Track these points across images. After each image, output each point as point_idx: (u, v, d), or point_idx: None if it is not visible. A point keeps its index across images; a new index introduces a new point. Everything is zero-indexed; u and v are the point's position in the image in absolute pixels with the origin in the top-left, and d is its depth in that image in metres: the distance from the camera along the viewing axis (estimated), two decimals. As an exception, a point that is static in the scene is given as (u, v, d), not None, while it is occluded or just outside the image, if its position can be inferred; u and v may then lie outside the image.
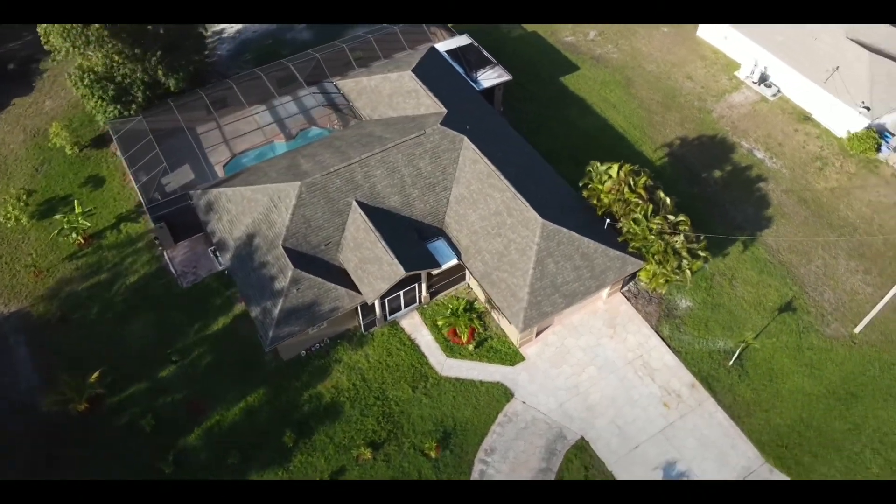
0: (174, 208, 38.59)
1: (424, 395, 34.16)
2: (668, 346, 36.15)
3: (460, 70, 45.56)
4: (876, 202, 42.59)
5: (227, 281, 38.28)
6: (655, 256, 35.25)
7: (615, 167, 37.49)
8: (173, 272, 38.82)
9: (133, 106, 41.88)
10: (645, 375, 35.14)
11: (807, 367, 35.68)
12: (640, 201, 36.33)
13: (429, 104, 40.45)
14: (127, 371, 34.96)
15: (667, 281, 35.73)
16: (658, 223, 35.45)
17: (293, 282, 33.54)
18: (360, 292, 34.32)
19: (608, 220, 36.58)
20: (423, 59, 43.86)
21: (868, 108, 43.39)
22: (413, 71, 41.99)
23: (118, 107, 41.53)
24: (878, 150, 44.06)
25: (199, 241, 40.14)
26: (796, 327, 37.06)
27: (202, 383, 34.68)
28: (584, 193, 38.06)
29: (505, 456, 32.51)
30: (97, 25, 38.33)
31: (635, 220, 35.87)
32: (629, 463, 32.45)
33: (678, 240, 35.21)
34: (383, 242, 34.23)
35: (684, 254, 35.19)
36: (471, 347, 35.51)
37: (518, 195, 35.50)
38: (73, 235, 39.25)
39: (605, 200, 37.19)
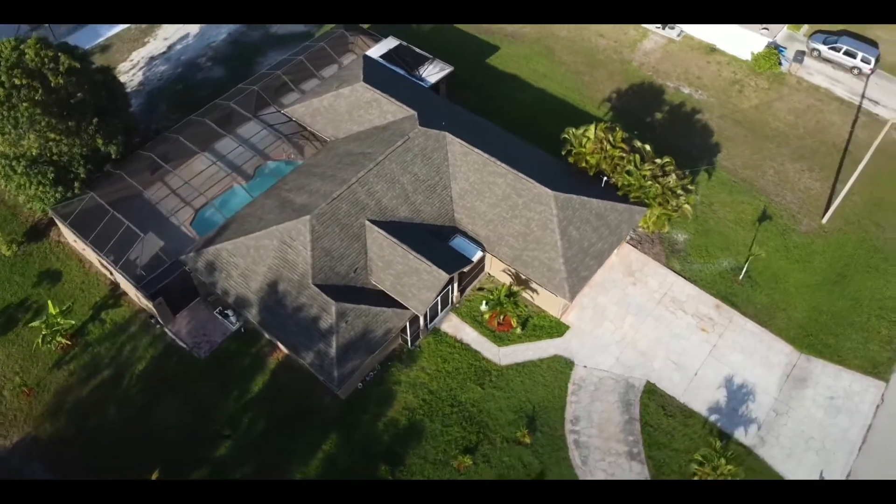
0: (169, 280, 35.56)
1: (494, 388, 34.40)
2: (685, 278, 38.87)
3: (402, 71, 45.41)
4: (794, 108, 48.01)
5: (247, 338, 36.05)
6: (656, 199, 37.66)
7: (591, 129, 39.36)
8: (184, 346, 35.87)
9: (76, 184, 37.82)
10: (676, 309, 37.62)
11: (798, 262, 39.88)
12: (625, 153, 38.55)
13: (394, 110, 40.07)
14: (179, 462, 32.07)
15: (669, 219, 38.32)
16: (649, 169, 37.86)
17: (340, 316, 32.35)
18: (404, 308, 33.78)
19: (605, 178, 38.47)
20: (365, 68, 43.24)
21: (767, 28, 48.64)
22: (364, 81, 41.34)
23: (60, 189, 37.34)
24: (780, 64, 49.56)
25: (198, 307, 37.34)
26: (777, 231, 41.23)
27: (267, 448, 32.63)
28: (570, 159, 39.67)
29: (590, 421, 33.64)
30: (25, 104, 34.18)
31: (628, 172, 38.04)
32: (695, 390, 34.78)
33: (671, 179, 37.80)
34: (414, 253, 33.87)
35: (679, 191, 37.88)
36: (518, 330, 36.12)
37: (521, 175, 36.42)
38: (57, 339, 35.03)
39: (592, 161, 39.03)
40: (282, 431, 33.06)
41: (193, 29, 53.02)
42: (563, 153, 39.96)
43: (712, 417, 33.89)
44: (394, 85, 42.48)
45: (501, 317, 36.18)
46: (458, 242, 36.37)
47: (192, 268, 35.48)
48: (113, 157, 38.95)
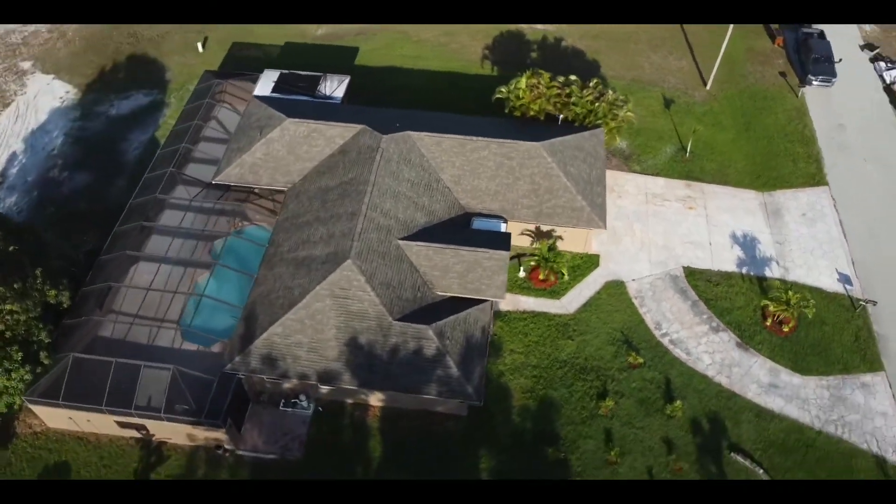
0: (229, 401, 30.75)
1: (581, 335, 35.50)
2: (650, 175, 43.02)
3: (305, 97, 42.91)
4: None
5: (330, 414, 32.80)
6: (605, 118, 40.90)
7: (521, 80, 41.23)
8: (272, 456, 31.59)
9: (41, 354, 30.57)
10: (662, 202, 41.65)
11: (714, 126, 46.14)
12: (559, 90, 41.12)
13: (339, 132, 38.11)
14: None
15: (618, 131, 41.88)
16: (589, 94, 40.87)
17: (440, 336, 30.97)
18: (482, 301, 33.21)
19: (559, 117, 40.71)
20: (274, 105, 40.20)
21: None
22: (288, 119, 38.53)
23: (27, 367, 29.96)
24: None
25: (256, 412, 32.89)
26: (684, 109, 47.14)
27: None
28: (517, 114, 41.24)
29: (668, 319, 36.40)
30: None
31: (574, 104, 40.70)
32: (718, 256, 39.15)
33: (609, 96, 41.24)
34: (466, 248, 33.34)
35: (619, 104, 41.51)
36: (566, 277, 37.31)
37: (502, 140, 37.26)
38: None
39: (536, 108, 40.97)
40: (439, 467, 31.04)
41: (17, 146, 44.42)
42: (507, 111, 41.40)
43: (744, 270, 38.61)
44: (313, 110, 40.19)
45: (543, 274, 37.14)
46: (480, 223, 36.32)
47: (248, 371, 31.10)
48: (65, 306, 32.12)
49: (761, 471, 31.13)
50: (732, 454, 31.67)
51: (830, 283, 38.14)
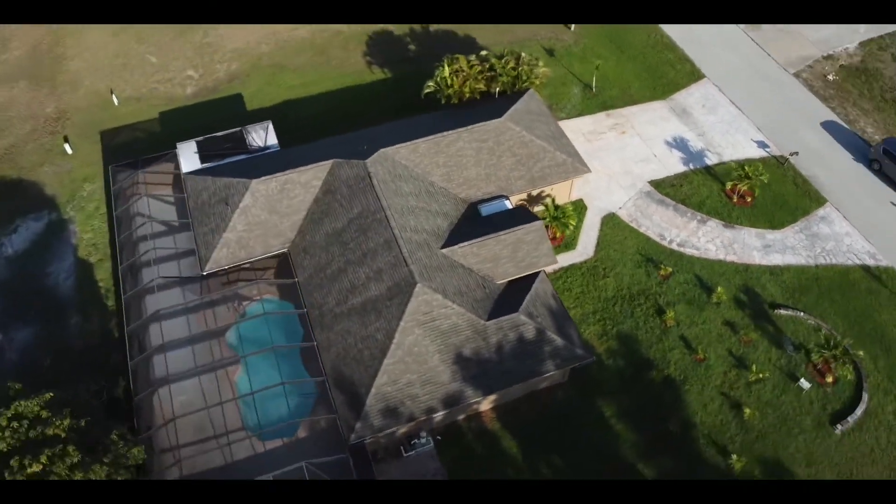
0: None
1: (611, 271, 38.35)
2: (575, 117, 46.70)
3: (243, 156, 40.04)
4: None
5: (445, 440, 32.44)
6: (530, 79, 43.47)
7: (444, 69, 42.42)
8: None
9: None
10: (598, 136, 45.58)
11: (597, 58, 50.63)
12: (482, 66, 42.91)
13: (313, 174, 36.51)
14: None
15: (540, 88, 44.81)
16: (511, 64, 43.03)
17: (530, 316, 31.94)
18: (538, 273, 34.51)
19: (496, 92, 42.50)
20: (222, 176, 37.27)
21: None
22: (253, 180, 36.01)
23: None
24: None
25: (385, 469, 31.40)
26: (566, 53, 51.26)
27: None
28: (454, 101, 42.37)
29: (665, 228, 40.53)
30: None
31: (500, 75, 42.69)
32: (668, 164, 44.04)
33: (526, 58, 43.80)
34: (503, 232, 34.24)
35: (533, 63, 44.23)
36: (573, 225, 39.43)
37: (470, 127, 38.26)
38: None
39: (468, 90, 42.41)
40: (576, 434, 32.28)
41: (-89, 331, 36.20)
42: (443, 101, 42.37)
43: (691, 166, 43.96)
44: (268, 164, 37.91)
45: (557, 232, 39.21)
46: (488, 208, 37.22)
47: (374, 432, 29.64)
48: (142, 461, 27.97)
49: (803, 314, 36.60)
50: (776, 311, 36.82)
51: (755, 151, 44.92)
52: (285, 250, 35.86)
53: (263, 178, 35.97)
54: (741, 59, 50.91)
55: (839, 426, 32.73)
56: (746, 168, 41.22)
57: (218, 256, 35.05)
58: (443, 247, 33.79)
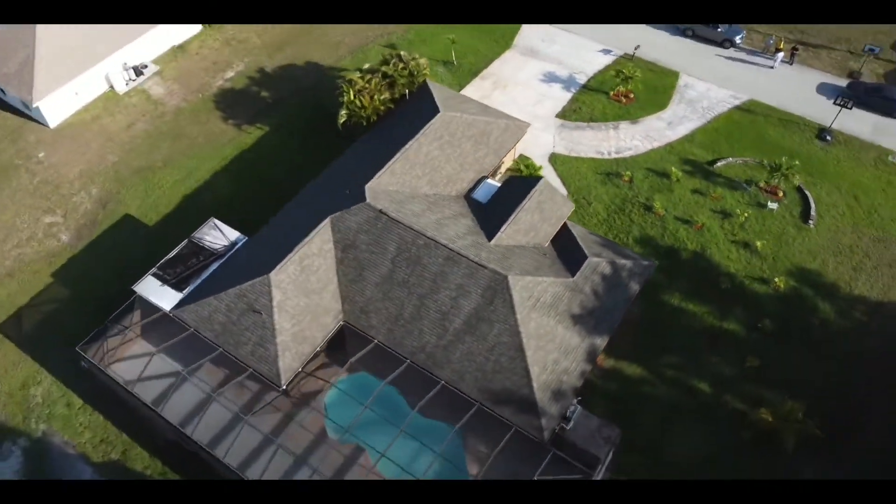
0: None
1: (584, 199, 42.45)
2: (459, 88, 49.22)
3: (215, 263, 35.93)
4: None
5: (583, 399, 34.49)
6: (419, 74, 44.65)
7: (349, 94, 42.19)
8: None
9: None
10: (489, 98, 48.78)
11: (433, 35, 53.37)
12: (377, 77, 43.21)
13: (319, 241, 34.59)
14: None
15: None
16: (400, 65, 43.79)
17: (598, 255, 34.75)
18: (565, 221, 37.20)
19: (405, 95, 43.14)
20: (219, 291, 33.55)
21: None
22: (269, 275, 33.06)
23: None
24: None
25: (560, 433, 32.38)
26: (406, 42, 53.03)
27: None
28: (374, 119, 42.33)
29: (600, 144, 45.60)
30: None
31: (400, 77, 43.34)
32: (556, 97, 49.00)
33: (406, 56, 44.79)
34: (523, 204, 35.73)
35: (415, 59, 45.36)
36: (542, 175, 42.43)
37: (419, 132, 38.54)
38: None
39: (380, 101, 42.60)
40: (666, 343, 36.33)
41: None
42: (364, 124, 42.21)
43: (572, 91, 49.34)
44: (258, 257, 34.90)
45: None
46: (482, 193, 38.53)
47: (558, 421, 30.52)
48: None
49: (731, 159, 44.46)
50: (714, 166, 44.21)
51: (607, 58, 51.68)
52: (342, 322, 33.84)
53: (276, 267, 33.16)
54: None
55: (810, 221, 41.24)
56: (624, 71, 47.73)
57: (287, 364, 31.97)
58: (490, 239, 34.71)
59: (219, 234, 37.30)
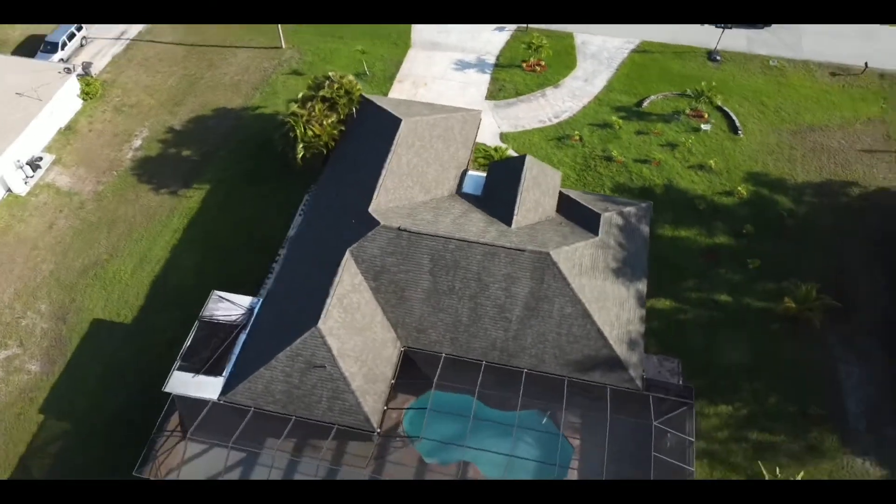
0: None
1: (557, 164, 44.30)
2: (381, 96, 48.83)
3: (243, 334, 33.34)
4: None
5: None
6: (356, 89, 43.70)
7: (300, 128, 40.63)
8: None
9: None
10: (418, 98, 49.00)
11: (337, 38, 52.34)
12: (321, 105, 41.86)
13: (348, 278, 33.31)
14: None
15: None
16: (335, 86, 42.63)
17: (606, 210, 36.67)
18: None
19: (353, 112, 42.14)
20: (257, 362, 31.40)
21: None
22: (317, 326, 31.37)
23: None
24: (89, 80, 49.18)
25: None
26: (315, 59, 51.58)
27: (698, 271, 39.35)
28: (332, 144, 41.10)
29: (539, 113, 47.62)
30: None
31: (339, 99, 42.28)
32: (476, 82, 50.28)
33: (336, 76, 43.62)
34: (520, 185, 36.43)
35: (339, 76, 44.36)
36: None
37: (392, 146, 37.82)
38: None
39: (330, 125, 41.45)
40: (678, 275, 39.34)
41: None
42: (325, 153, 40.99)
43: (488, 71, 50.83)
44: (288, 315, 32.98)
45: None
46: (472, 186, 38.79)
47: (644, 366, 32.18)
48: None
49: (653, 96, 48.41)
50: (643, 106, 47.88)
51: (504, 35, 53.75)
52: (402, 349, 32.98)
53: (321, 315, 31.50)
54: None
55: (739, 132, 46.19)
56: (533, 42, 50.01)
57: (372, 407, 30.74)
58: (509, 225, 35.31)
59: (228, 305, 34.53)
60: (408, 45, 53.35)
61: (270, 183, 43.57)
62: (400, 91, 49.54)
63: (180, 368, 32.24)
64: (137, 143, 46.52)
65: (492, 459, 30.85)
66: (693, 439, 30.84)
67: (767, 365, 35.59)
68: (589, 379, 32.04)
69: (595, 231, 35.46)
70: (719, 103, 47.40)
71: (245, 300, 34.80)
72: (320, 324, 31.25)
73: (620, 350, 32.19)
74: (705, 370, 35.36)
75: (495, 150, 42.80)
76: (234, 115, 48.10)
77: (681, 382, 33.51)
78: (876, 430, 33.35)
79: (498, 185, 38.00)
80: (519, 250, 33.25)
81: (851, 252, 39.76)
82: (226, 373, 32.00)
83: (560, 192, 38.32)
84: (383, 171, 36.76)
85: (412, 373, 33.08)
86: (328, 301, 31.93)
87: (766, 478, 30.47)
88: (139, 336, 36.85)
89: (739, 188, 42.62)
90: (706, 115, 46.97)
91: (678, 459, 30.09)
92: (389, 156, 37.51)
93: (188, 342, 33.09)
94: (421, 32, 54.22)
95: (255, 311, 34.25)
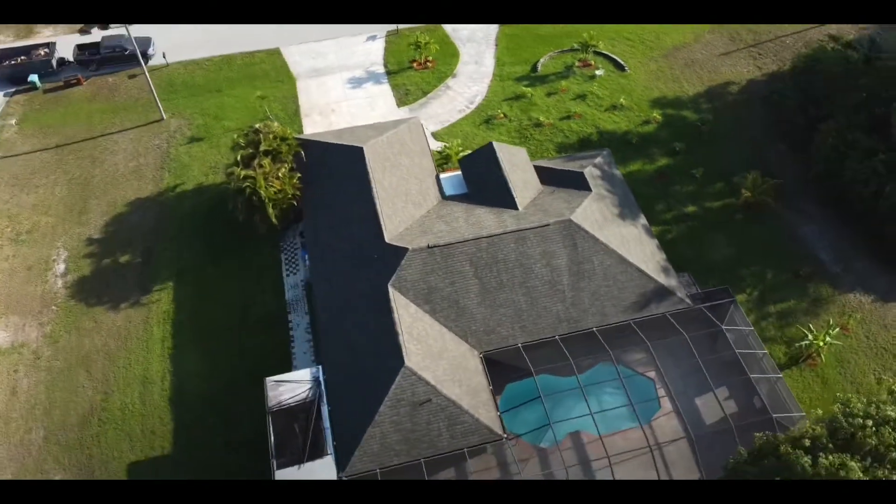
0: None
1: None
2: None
3: (317, 391, 31.68)
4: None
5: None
6: (284, 132, 42.00)
7: (262, 188, 38.58)
8: (700, 289, 38.99)
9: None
10: (340, 123, 48.17)
11: (215, 92, 49.50)
12: (267, 160, 39.93)
13: (402, 305, 32.97)
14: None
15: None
16: (270, 137, 40.76)
17: (582, 167, 39.57)
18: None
19: (301, 156, 40.69)
20: (355, 427, 30.48)
21: None
22: (405, 366, 30.87)
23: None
24: None
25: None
26: (200, 126, 48.37)
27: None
28: (298, 194, 39.59)
29: (454, 102, 49.17)
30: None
31: (278, 145, 40.55)
32: (379, 93, 50.49)
33: (261, 126, 41.63)
34: (504, 172, 37.73)
35: (269, 119, 42.35)
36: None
37: (368, 173, 37.64)
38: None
39: (285, 177, 39.65)
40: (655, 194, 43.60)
41: None
42: (295, 203, 39.47)
43: (384, 83, 51.19)
44: (357, 368, 32.09)
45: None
46: (454, 187, 39.49)
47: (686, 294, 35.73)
48: None
49: (542, 59, 52.06)
50: (537, 71, 51.35)
51: (380, 42, 54.22)
52: (481, 355, 33.51)
53: (403, 355, 31.07)
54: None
55: (626, 69, 51.47)
56: (419, 39, 51.20)
57: (491, 419, 31.16)
58: (518, 208, 36.77)
59: (291, 385, 32.51)
60: (291, 78, 51.87)
61: (236, 256, 40.89)
62: (313, 124, 48.31)
63: (280, 466, 30.10)
64: (61, 267, 40.90)
65: (599, 420, 32.40)
66: (751, 327, 35.16)
67: (749, 249, 41.00)
68: (649, 314, 34.92)
69: (586, 187, 38.26)
70: (601, 49, 52.27)
71: (303, 374, 33.01)
72: (407, 362, 30.83)
73: (662, 279, 35.49)
74: (708, 273, 39.89)
75: (447, 148, 43.77)
76: (154, 202, 43.96)
77: (698, 291, 37.69)
78: (850, 268, 40.13)
79: (479, 177, 39.25)
80: (544, 226, 35.04)
81: (757, 137, 46.65)
82: (330, 450, 30.41)
83: (530, 165, 40.55)
84: (376, 200, 36.45)
85: (500, 372, 33.73)
86: (400, 338, 31.54)
87: (808, 339, 35.44)
88: (192, 461, 33.37)
89: (653, 115, 47.82)
90: (593, 63, 51.61)
91: (747, 348, 34.16)
92: (372, 184, 37.19)
93: (272, 438, 30.85)
94: (297, 64, 52.90)
95: (320, 378, 32.67)
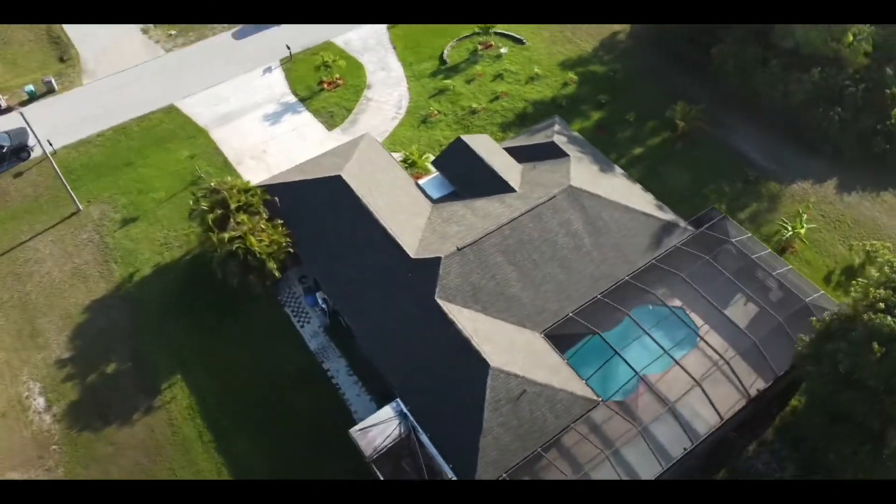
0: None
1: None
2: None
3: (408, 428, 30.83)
4: None
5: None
6: (238, 184, 39.37)
7: (255, 247, 36.33)
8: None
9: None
10: (270, 155, 45.85)
11: (117, 161, 45.28)
12: (246, 215, 37.44)
13: (457, 313, 32.69)
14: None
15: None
16: (235, 190, 38.14)
17: (558, 140, 41.25)
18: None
19: (276, 201, 38.52)
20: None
21: None
22: (491, 367, 30.76)
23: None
24: None
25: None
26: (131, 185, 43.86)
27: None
28: (291, 242, 37.53)
29: (384, 111, 48.67)
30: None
31: (241, 197, 38.12)
32: (290, 126, 48.72)
33: (224, 184, 38.79)
34: (488, 163, 38.71)
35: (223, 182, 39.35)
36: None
37: (353, 191, 36.81)
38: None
39: (268, 228, 37.45)
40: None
41: None
42: (292, 250, 37.44)
43: (292, 113, 49.56)
44: (433, 386, 31.53)
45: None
46: (438, 191, 39.55)
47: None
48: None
49: (446, 49, 52.93)
50: (447, 63, 52.20)
51: (278, 73, 52.10)
52: (542, 335, 34.11)
53: (484, 357, 30.95)
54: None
55: (525, 42, 53.80)
56: (326, 59, 49.87)
57: (582, 390, 31.95)
58: (516, 190, 37.63)
59: (378, 427, 31.20)
60: (202, 131, 48.46)
61: (234, 323, 38.01)
62: (250, 171, 45.23)
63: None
64: (40, 402, 35.57)
65: (656, 364, 34.00)
66: (748, 234, 38.89)
67: (701, 172, 44.97)
68: (667, 246, 37.29)
69: (561, 154, 40.00)
70: (497, 30, 54.14)
71: (385, 412, 31.86)
72: (491, 363, 30.79)
73: (662, 215, 38.14)
74: (679, 202, 43.17)
75: (409, 155, 43.39)
76: (115, 299, 39.39)
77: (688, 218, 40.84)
78: (783, 163, 45.50)
79: (462, 173, 39.63)
80: (551, 198, 36.22)
81: (663, 73, 51.02)
82: (450, 474, 29.71)
83: (508, 159, 41.45)
84: (381, 222, 35.64)
85: (564, 345, 34.55)
86: (473, 343, 31.36)
87: (789, 230, 39.99)
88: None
89: (569, 76, 50.57)
90: (494, 44, 53.37)
91: (753, 252, 37.75)
92: (368, 208, 36.29)
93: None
94: (201, 115, 49.41)
95: (405, 410, 31.63)
